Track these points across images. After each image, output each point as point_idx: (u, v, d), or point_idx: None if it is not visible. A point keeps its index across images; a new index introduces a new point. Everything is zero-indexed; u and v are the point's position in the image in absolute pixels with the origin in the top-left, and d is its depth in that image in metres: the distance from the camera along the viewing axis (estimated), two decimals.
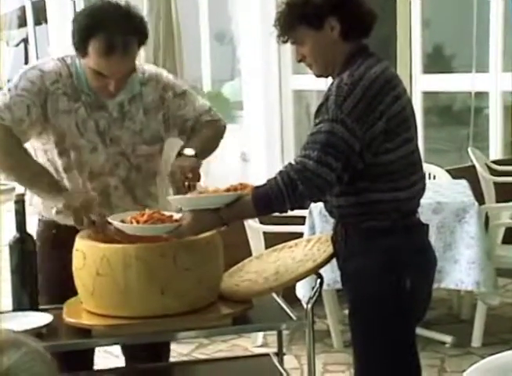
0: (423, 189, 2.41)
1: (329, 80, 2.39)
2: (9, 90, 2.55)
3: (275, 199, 2.20)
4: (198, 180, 2.49)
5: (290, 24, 2.35)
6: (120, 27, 2.45)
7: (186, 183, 2.46)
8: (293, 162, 2.23)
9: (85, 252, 2.29)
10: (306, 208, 2.31)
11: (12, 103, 2.51)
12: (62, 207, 2.44)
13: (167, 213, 2.37)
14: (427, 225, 2.45)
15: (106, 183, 2.63)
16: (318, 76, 2.42)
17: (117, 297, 2.25)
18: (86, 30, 2.46)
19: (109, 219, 2.35)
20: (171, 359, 3.75)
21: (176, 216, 2.35)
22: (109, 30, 2.43)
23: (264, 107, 7.00)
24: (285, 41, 2.40)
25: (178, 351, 4.15)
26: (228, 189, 2.33)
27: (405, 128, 2.31)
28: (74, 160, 2.59)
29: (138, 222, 2.31)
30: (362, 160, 2.26)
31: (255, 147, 7.06)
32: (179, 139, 2.77)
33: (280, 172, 2.22)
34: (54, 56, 2.67)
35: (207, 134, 2.71)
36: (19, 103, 2.52)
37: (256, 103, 7.09)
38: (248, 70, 7.28)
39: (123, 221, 2.33)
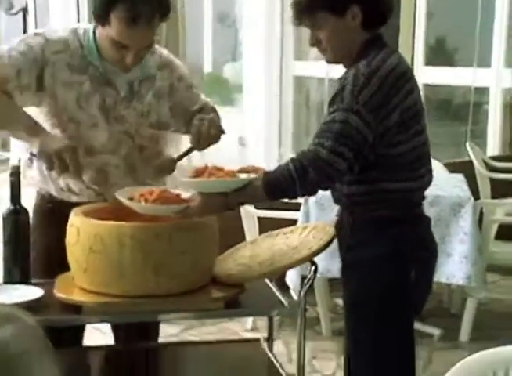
0: (430, 181, 2.43)
1: (330, 67, 2.38)
2: (5, 50, 2.48)
3: (287, 186, 2.20)
4: (220, 134, 2.52)
5: (310, 8, 2.32)
6: None
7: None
8: (305, 150, 2.22)
9: (79, 228, 2.27)
10: (314, 195, 2.31)
11: (1, 62, 2.45)
12: (37, 151, 2.39)
13: (173, 191, 2.36)
14: (430, 218, 2.47)
15: (105, 161, 2.61)
16: (330, 62, 2.41)
17: (109, 274, 2.24)
18: None
19: (117, 195, 2.33)
20: (160, 339, 3.76)
21: (184, 195, 2.33)
22: None
23: (264, 91, 6.97)
24: (299, 24, 2.38)
25: (167, 331, 4.15)
26: (239, 171, 2.31)
27: (417, 120, 2.32)
28: (70, 134, 2.55)
29: (146, 200, 2.28)
30: (374, 152, 2.26)
31: (253, 132, 7.04)
32: (181, 132, 2.77)
33: (293, 159, 2.21)
34: (67, 27, 2.62)
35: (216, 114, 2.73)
36: (9, 66, 2.45)
37: (256, 86, 7.06)
38: (250, 54, 7.24)
39: (131, 198, 2.31)
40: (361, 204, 2.37)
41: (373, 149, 2.26)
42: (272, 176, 2.23)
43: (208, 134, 2.48)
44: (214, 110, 2.76)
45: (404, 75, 2.30)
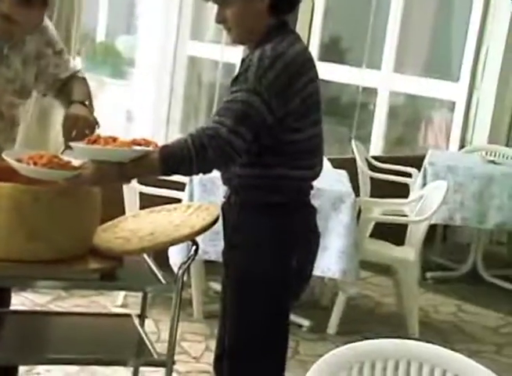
0: (320, 172, 2.44)
1: (225, 51, 2.36)
2: None
3: (184, 162, 2.17)
4: (93, 130, 2.44)
5: None
6: None
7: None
8: (205, 127, 2.19)
9: None
10: (209, 173, 2.28)
11: None
12: None
13: (65, 158, 2.27)
14: (316, 209, 2.49)
15: None
16: (234, 42, 2.40)
17: None
18: None
19: (4, 155, 2.22)
20: (25, 309, 3.64)
21: (75, 163, 2.25)
22: None
23: (156, 68, 6.87)
24: None
25: (34, 300, 4.03)
26: (131, 143, 2.24)
27: (315, 109, 2.33)
28: None
29: (35, 163, 2.19)
30: (271, 136, 2.26)
31: (141, 107, 6.94)
32: (41, 95, 2.72)
33: (191, 135, 2.17)
34: None
35: (87, 89, 2.66)
36: None
37: (149, 62, 6.95)
38: (145, 28, 7.12)
39: (19, 160, 2.21)
40: (252, 188, 2.35)
41: (271, 133, 2.25)
42: (169, 151, 2.18)
43: (82, 136, 2.38)
44: (84, 80, 2.68)
45: (308, 63, 2.31)
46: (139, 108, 6.98)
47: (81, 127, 2.42)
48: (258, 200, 2.35)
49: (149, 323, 3.68)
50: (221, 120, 2.18)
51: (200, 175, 2.32)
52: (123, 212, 3.67)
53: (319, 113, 2.36)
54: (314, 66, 2.34)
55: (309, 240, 2.43)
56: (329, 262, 3.93)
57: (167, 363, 2.34)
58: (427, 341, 1.92)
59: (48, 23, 2.64)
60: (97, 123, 2.49)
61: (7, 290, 2.70)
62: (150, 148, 2.22)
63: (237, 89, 2.21)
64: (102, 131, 2.46)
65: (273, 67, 2.21)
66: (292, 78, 2.24)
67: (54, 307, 4.05)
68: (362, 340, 1.90)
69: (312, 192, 2.49)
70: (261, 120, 2.21)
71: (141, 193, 4.01)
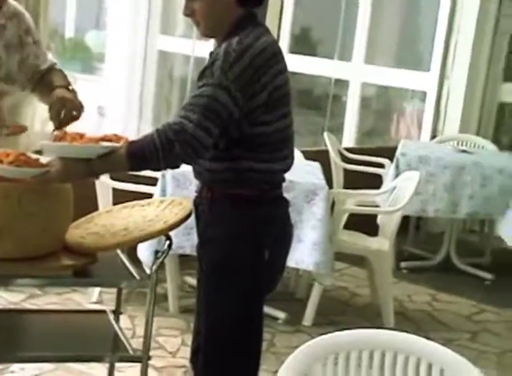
0: (291, 164, 2.43)
1: (196, 45, 2.35)
2: None
3: (150, 157, 2.17)
4: (80, 112, 2.46)
5: None
6: None
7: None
8: (171, 122, 2.19)
9: None
10: (177, 168, 2.28)
11: None
12: None
13: (33, 156, 2.25)
14: (288, 201, 2.48)
15: None
16: (203, 35, 2.39)
17: None
18: None
19: None
20: None
21: (43, 160, 2.23)
22: None
23: (127, 63, 6.85)
24: None
25: (7, 299, 4.00)
26: (102, 139, 2.24)
27: (284, 102, 2.32)
28: None
29: (1, 161, 2.17)
30: (238, 129, 2.26)
31: (113, 102, 6.91)
32: (20, 87, 2.69)
33: (158, 131, 2.17)
34: None
35: (66, 79, 2.66)
36: None
37: (119, 57, 6.92)
38: (115, 23, 7.09)
39: None
40: (221, 181, 2.35)
41: (239, 126, 2.25)
42: (135, 146, 2.18)
43: (70, 117, 2.41)
44: (61, 71, 2.69)
45: (275, 56, 2.30)
46: (111, 103, 6.94)
47: (68, 108, 2.44)
48: (227, 194, 2.35)
49: (124, 319, 3.67)
50: (187, 115, 2.17)
51: (169, 170, 2.32)
52: (96, 208, 3.65)
53: (289, 106, 2.35)
54: (282, 59, 2.33)
55: (282, 233, 2.43)
56: (303, 254, 3.94)
57: (143, 358, 2.34)
58: (402, 331, 1.93)
59: (25, 12, 2.65)
60: (82, 106, 2.50)
61: None
62: (120, 144, 2.21)
63: (203, 83, 2.21)
64: (73, 127, 2.45)
65: (239, 61, 2.20)
66: (259, 71, 2.23)
67: (28, 305, 4.02)
68: (337, 331, 1.91)
69: (285, 184, 2.49)
70: (228, 114, 2.20)
71: (114, 189, 3.99)
